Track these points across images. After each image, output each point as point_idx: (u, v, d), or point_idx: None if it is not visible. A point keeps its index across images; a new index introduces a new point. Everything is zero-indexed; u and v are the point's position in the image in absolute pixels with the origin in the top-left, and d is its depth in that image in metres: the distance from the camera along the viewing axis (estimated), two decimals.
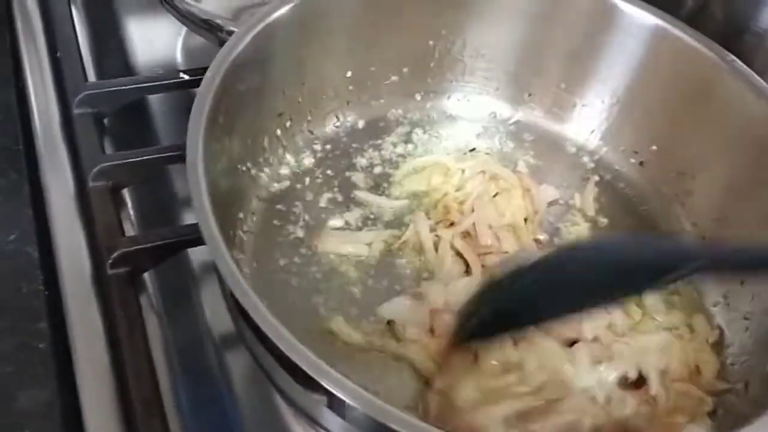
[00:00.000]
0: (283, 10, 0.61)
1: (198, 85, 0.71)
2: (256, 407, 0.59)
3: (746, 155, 0.62)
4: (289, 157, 0.68)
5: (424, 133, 0.73)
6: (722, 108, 0.63)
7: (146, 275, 0.63)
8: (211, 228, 0.46)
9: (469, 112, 0.75)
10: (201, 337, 0.62)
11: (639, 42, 0.66)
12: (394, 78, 0.72)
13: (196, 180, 0.48)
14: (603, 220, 0.69)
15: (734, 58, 0.63)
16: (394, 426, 0.40)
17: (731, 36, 0.65)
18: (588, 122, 0.73)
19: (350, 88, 0.70)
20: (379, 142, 0.72)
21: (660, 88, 0.67)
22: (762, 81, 0.61)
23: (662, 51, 0.66)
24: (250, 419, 0.58)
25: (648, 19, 0.66)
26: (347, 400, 0.41)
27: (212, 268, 0.65)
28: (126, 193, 0.68)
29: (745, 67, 0.62)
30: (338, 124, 0.71)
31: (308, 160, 0.69)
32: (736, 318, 0.60)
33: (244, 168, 0.63)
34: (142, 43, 0.85)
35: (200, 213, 0.47)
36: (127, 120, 0.74)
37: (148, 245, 0.60)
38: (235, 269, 0.45)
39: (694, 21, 0.66)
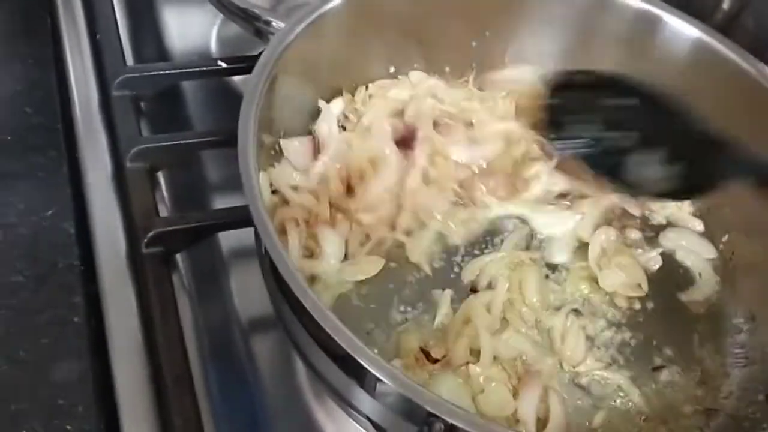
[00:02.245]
0: (335, 3, 0.61)
1: (235, 74, 0.74)
2: (280, 389, 0.60)
3: None
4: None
5: None
6: (757, 119, 0.63)
7: (179, 257, 0.64)
8: (260, 211, 0.47)
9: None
10: (229, 320, 0.64)
11: (681, 54, 0.66)
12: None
13: (247, 165, 0.48)
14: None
15: None
16: (427, 407, 0.41)
17: (762, 47, 0.66)
18: None
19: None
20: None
21: (697, 100, 0.67)
22: None
23: (702, 63, 0.66)
24: (274, 399, 0.60)
25: (690, 31, 0.66)
26: (384, 379, 0.42)
27: (242, 254, 0.66)
28: (160, 176, 0.69)
29: None
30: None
31: None
32: None
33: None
34: (178, 30, 0.86)
35: (251, 196, 0.47)
36: (162, 105, 0.75)
37: (183, 226, 0.61)
38: (279, 244, 0.46)
39: (725, 31, 0.67)
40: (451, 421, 0.40)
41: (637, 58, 0.67)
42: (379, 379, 0.42)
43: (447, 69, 0.72)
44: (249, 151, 0.49)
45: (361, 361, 0.42)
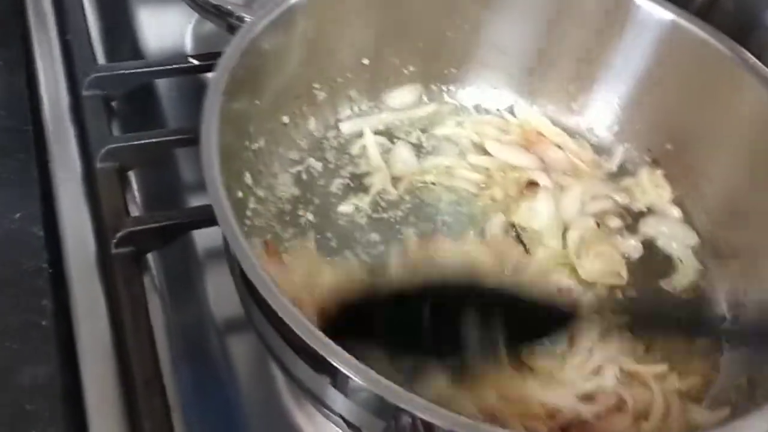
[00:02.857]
0: None
1: (206, 71, 0.73)
2: (256, 391, 0.59)
3: (757, 151, 0.62)
4: (302, 142, 0.67)
5: (438, 123, 0.73)
6: (735, 103, 0.63)
7: (151, 258, 0.63)
8: (223, 206, 0.46)
9: (483, 104, 0.74)
10: (203, 321, 0.62)
11: (654, 38, 0.66)
12: (411, 68, 0.72)
13: (209, 160, 0.47)
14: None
15: (747, 53, 0.62)
16: (401, 405, 0.40)
17: (742, 30, 0.65)
18: (603, 119, 0.73)
19: (367, 76, 0.70)
20: (395, 130, 0.71)
21: (674, 85, 0.67)
22: None
23: (677, 47, 0.65)
24: (251, 402, 0.58)
25: (663, 14, 0.65)
26: (353, 378, 0.41)
27: (217, 254, 0.65)
28: (132, 176, 0.68)
29: (758, 62, 0.62)
30: (354, 110, 0.71)
31: (322, 145, 0.68)
32: None
33: (256, 150, 0.62)
34: (152, 29, 0.85)
35: (213, 191, 0.46)
36: (134, 103, 0.74)
37: (154, 225, 0.60)
38: (246, 246, 0.45)
39: (705, 15, 0.66)
40: (418, 414, 0.39)
41: (610, 44, 0.67)
42: (346, 375, 0.41)
43: (422, 60, 0.71)
44: (212, 148, 0.48)
45: (328, 358, 0.41)
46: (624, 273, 0.61)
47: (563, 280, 0.60)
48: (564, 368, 0.54)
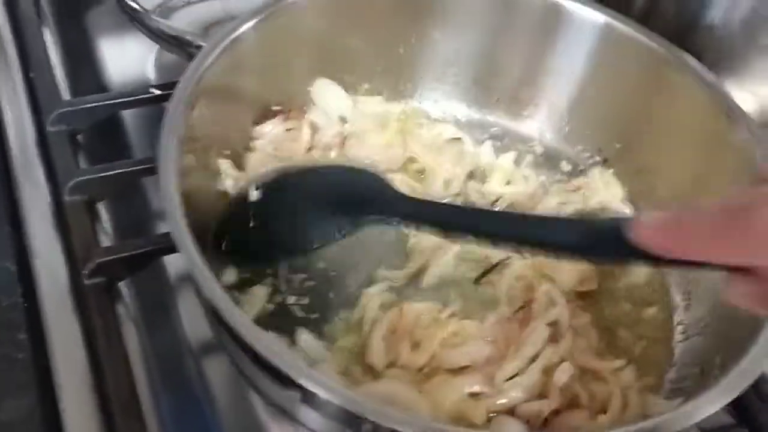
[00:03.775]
0: (250, 24, 0.62)
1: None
2: (234, 412, 0.60)
3: (700, 147, 0.65)
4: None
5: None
6: (675, 102, 0.65)
7: (123, 285, 0.64)
8: (183, 234, 0.47)
9: (439, 116, 0.77)
10: (179, 344, 0.63)
11: (590, 41, 0.69)
12: (366, 85, 0.74)
13: (168, 189, 0.49)
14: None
15: (683, 52, 0.65)
16: (368, 416, 0.42)
17: (683, 31, 0.68)
18: (551, 122, 0.75)
19: None
20: None
21: (615, 86, 0.69)
22: (712, 74, 0.63)
23: (613, 49, 0.68)
24: (229, 424, 0.59)
25: (597, 17, 0.68)
26: (320, 394, 0.43)
27: (188, 277, 0.66)
28: (101, 207, 0.69)
29: (695, 61, 0.64)
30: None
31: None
32: None
33: (218, 175, 0.64)
34: (115, 61, 0.86)
35: (173, 220, 0.48)
36: (100, 135, 0.75)
37: (123, 255, 0.61)
38: (208, 273, 0.46)
39: (646, 18, 0.69)
40: (376, 420, 0.40)
41: (550, 49, 0.69)
42: (310, 391, 0.43)
43: (377, 77, 0.73)
44: (170, 176, 0.49)
45: (285, 370, 0.43)
46: (595, 278, 0.63)
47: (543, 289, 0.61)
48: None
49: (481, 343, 0.57)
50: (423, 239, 0.63)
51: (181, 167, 0.51)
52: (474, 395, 0.54)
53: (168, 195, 0.48)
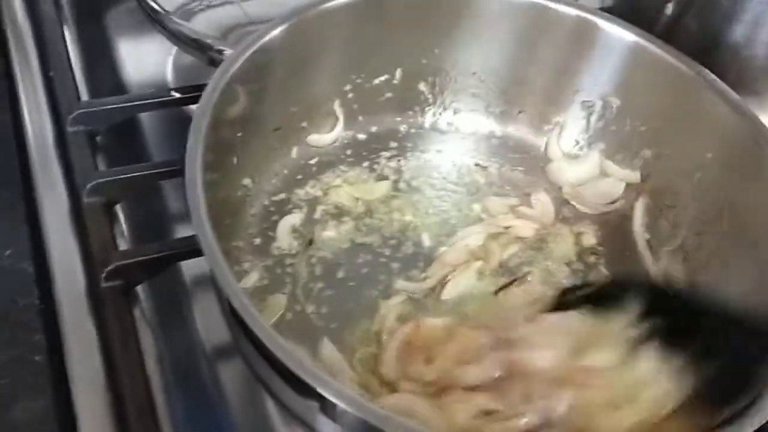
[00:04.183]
0: (277, 31, 0.62)
1: (189, 103, 0.74)
2: (248, 418, 0.60)
3: (726, 167, 0.64)
4: (284, 171, 0.69)
5: (417, 148, 0.74)
6: (700, 122, 0.65)
7: (140, 289, 0.64)
8: (208, 238, 0.47)
9: (461, 128, 0.76)
10: (194, 349, 0.63)
11: (618, 58, 0.69)
12: (389, 95, 0.74)
13: (194, 192, 0.49)
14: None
15: (708, 72, 0.65)
16: (387, 429, 0.41)
17: (706, 49, 0.67)
18: (574, 138, 0.75)
19: (345, 103, 0.72)
20: (374, 156, 0.73)
21: (641, 104, 0.69)
22: (735, 95, 0.63)
23: (640, 67, 0.68)
24: (242, 428, 0.59)
25: (626, 36, 0.68)
26: (340, 404, 0.43)
27: (205, 282, 0.66)
28: (119, 209, 0.69)
29: (717, 80, 0.64)
30: (334, 138, 0.72)
31: (303, 174, 0.70)
32: None
33: (240, 181, 0.64)
34: (133, 62, 0.86)
35: (197, 222, 0.48)
36: (119, 137, 0.75)
37: (141, 258, 0.61)
38: (231, 277, 0.46)
39: (669, 34, 0.68)
40: None
41: (577, 65, 0.69)
42: (333, 402, 0.43)
43: (399, 87, 0.73)
44: (197, 180, 0.49)
45: (308, 381, 0.42)
46: None
47: None
48: None
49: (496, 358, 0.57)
50: (450, 253, 0.63)
51: (206, 169, 0.51)
52: (489, 413, 0.54)
53: (195, 200, 0.48)
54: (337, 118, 0.72)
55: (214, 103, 0.55)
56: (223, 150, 0.58)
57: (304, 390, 0.45)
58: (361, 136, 0.74)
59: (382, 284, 0.63)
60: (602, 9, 0.74)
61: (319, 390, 0.43)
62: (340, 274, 0.64)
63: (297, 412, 0.50)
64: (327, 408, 0.46)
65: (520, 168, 0.74)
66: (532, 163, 0.75)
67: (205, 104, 0.54)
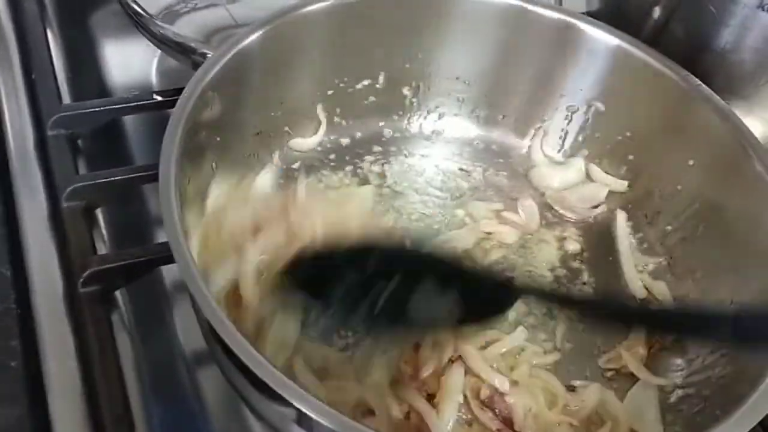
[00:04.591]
0: (255, 36, 0.62)
1: (171, 107, 0.73)
2: (227, 425, 0.60)
3: (711, 172, 0.64)
4: (266, 176, 0.68)
5: (401, 152, 0.74)
6: (686, 127, 0.65)
7: (119, 294, 0.64)
8: (181, 247, 0.47)
9: (445, 132, 0.76)
10: (173, 355, 0.63)
11: (602, 63, 0.69)
12: (372, 98, 0.73)
13: (168, 199, 0.48)
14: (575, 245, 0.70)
15: (693, 77, 0.64)
16: None
17: (692, 54, 0.67)
18: (559, 142, 0.74)
19: (328, 107, 0.72)
20: (357, 161, 0.72)
21: (626, 109, 0.69)
22: (722, 100, 0.63)
23: (624, 71, 0.68)
24: None
25: (610, 40, 0.68)
26: (313, 416, 0.42)
27: (184, 287, 0.66)
28: (99, 213, 0.68)
29: (705, 87, 0.64)
30: (317, 143, 0.72)
31: (284, 179, 0.69)
32: None
33: (219, 186, 0.63)
34: (117, 65, 0.86)
35: (171, 232, 0.47)
36: (101, 141, 0.75)
37: (120, 263, 0.60)
38: (204, 288, 0.46)
39: (655, 39, 0.68)
40: None
41: (561, 70, 0.69)
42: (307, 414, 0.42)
43: (382, 91, 0.73)
44: (171, 187, 0.49)
45: (289, 399, 0.42)
46: None
47: None
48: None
49: None
50: None
51: (182, 174, 0.50)
52: None
53: (168, 206, 0.48)
54: (320, 122, 0.72)
55: (189, 109, 0.54)
56: (200, 155, 0.58)
57: (279, 401, 0.45)
58: (345, 141, 0.73)
59: None
60: (588, 13, 0.74)
61: (294, 402, 0.42)
62: None
63: (274, 423, 0.50)
64: (302, 419, 0.45)
65: (504, 173, 0.74)
66: (516, 168, 0.75)
67: (181, 110, 0.54)
